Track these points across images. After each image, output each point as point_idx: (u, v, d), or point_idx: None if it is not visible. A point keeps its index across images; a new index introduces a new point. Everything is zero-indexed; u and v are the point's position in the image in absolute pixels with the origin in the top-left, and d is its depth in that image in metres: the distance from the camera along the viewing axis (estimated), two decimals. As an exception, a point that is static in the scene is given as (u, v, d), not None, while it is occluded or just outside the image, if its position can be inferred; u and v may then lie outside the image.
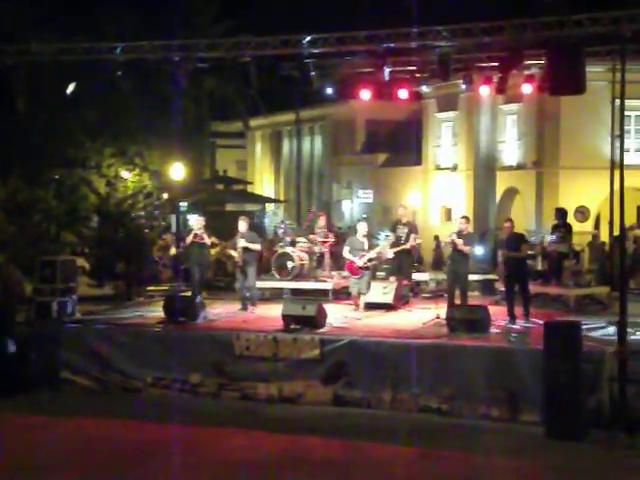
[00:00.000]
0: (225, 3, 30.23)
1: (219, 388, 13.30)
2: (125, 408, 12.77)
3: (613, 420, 11.10)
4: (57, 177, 21.32)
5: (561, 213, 17.22)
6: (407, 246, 16.14)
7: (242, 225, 15.83)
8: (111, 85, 16.40)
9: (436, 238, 23.84)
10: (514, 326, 13.81)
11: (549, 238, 16.87)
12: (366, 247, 15.05)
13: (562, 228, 16.60)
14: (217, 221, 24.13)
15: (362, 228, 15.44)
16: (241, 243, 15.58)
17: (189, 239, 16.21)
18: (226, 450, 10.78)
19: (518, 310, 14.15)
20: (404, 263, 16.64)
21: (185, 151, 23.98)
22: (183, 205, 24.27)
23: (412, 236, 16.34)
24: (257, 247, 15.98)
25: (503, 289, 15.98)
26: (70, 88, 15.84)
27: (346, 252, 15.14)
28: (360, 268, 14.94)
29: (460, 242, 14.46)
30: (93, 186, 21.33)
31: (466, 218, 15.38)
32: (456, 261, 14.68)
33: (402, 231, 16.40)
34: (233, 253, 15.81)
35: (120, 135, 21.36)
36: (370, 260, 15.05)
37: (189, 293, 16.41)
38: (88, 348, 14.15)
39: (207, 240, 16.34)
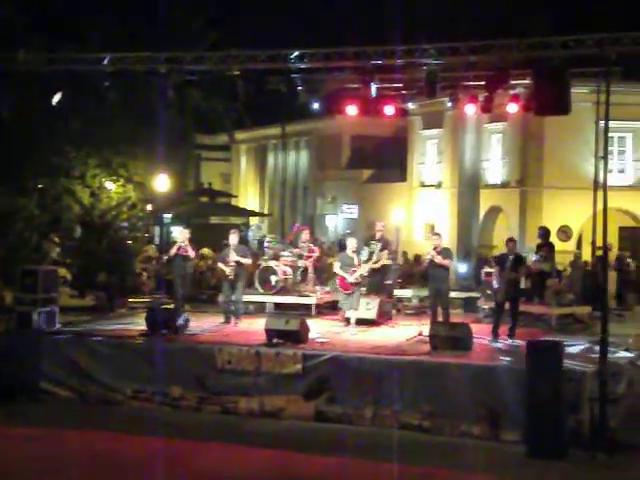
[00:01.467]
0: (210, 17, 30.25)
1: (200, 402, 13.22)
2: (105, 420, 12.65)
3: (593, 440, 11.12)
4: (40, 186, 21.18)
5: (543, 232, 17.30)
6: (377, 265, 16.22)
7: (233, 238, 15.80)
8: (97, 95, 16.34)
9: (404, 254, 23.57)
10: (496, 344, 13.83)
11: (532, 257, 16.94)
12: (356, 262, 15.05)
13: (545, 247, 16.68)
14: (201, 234, 24.08)
15: (351, 244, 15.43)
16: (233, 256, 15.52)
17: (173, 251, 16.20)
18: (206, 464, 10.70)
19: (502, 329, 14.17)
20: (379, 280, 16.71)
21: (170, 163, 23.87)
22: (167, 217, 24.19)
23: (384, 253, 16.46)
24: (249, 261, 16.02)
25: (486, 307, 16.05)
26: (56, 98, 15.79)
27: (337, 268, 15.15)
28: (351, 284, 14.92)
29: (439, 258, 14.52)
30: (77, 196, 21.21)
31: (438, 235, 15.47)
32: (437, 278, 14.72)
33: (374, 247, 16.49)
34: (223, 267, 15.73)
35: (105, 146, 21.26)
36: (362, 276, 15.05)
37: (171, 305, 16.35)
38: (68, 359, 14.05)
39: (191, 253, 16.32)
